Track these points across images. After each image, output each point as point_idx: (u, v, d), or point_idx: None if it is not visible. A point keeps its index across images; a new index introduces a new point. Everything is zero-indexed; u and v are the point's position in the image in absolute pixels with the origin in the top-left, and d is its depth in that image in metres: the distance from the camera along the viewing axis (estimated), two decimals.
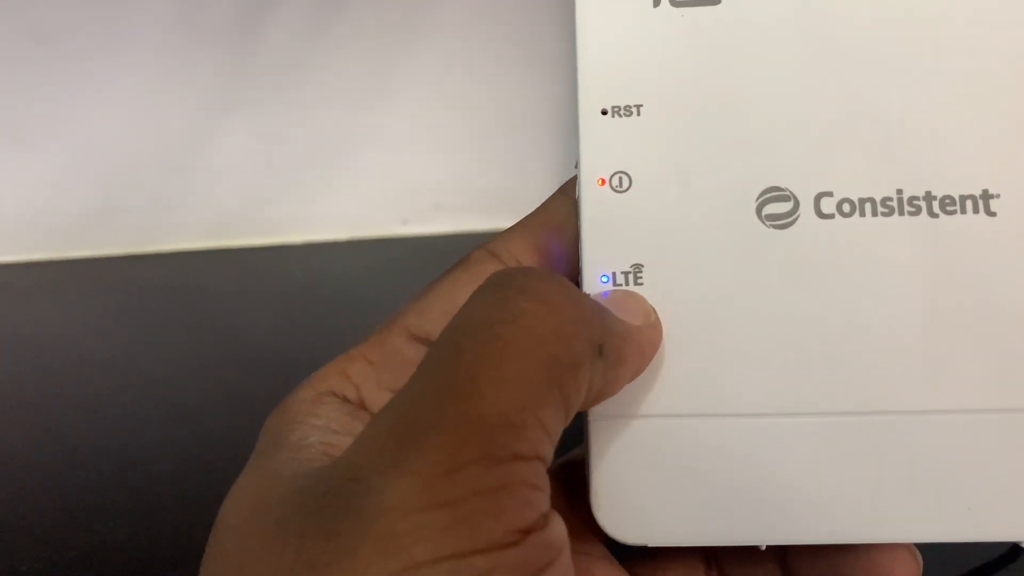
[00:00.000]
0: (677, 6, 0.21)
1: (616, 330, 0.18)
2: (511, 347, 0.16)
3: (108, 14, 0.48)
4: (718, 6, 0.21)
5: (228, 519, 0.17)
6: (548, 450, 0.16)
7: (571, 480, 0.21)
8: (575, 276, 0.20)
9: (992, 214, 0.20)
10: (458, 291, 0.20)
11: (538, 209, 0.22)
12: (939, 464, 0.19)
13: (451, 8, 0.50)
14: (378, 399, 0.19)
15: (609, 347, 0.17)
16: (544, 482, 0.16)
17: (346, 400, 0.19)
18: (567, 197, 0.21)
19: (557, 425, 0.16)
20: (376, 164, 0.53)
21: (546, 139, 0.52)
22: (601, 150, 0.20)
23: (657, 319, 0.20)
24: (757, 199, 0.20)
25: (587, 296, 0.18)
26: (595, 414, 0.20)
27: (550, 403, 0.16)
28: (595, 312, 0.18)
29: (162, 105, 0.50)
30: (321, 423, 0.18)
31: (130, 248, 0.52)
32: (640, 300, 0.20)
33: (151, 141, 0.51)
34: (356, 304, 0.46)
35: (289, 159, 0.52)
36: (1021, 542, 0.19)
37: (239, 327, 0.46)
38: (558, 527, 0.16)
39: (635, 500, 0.19)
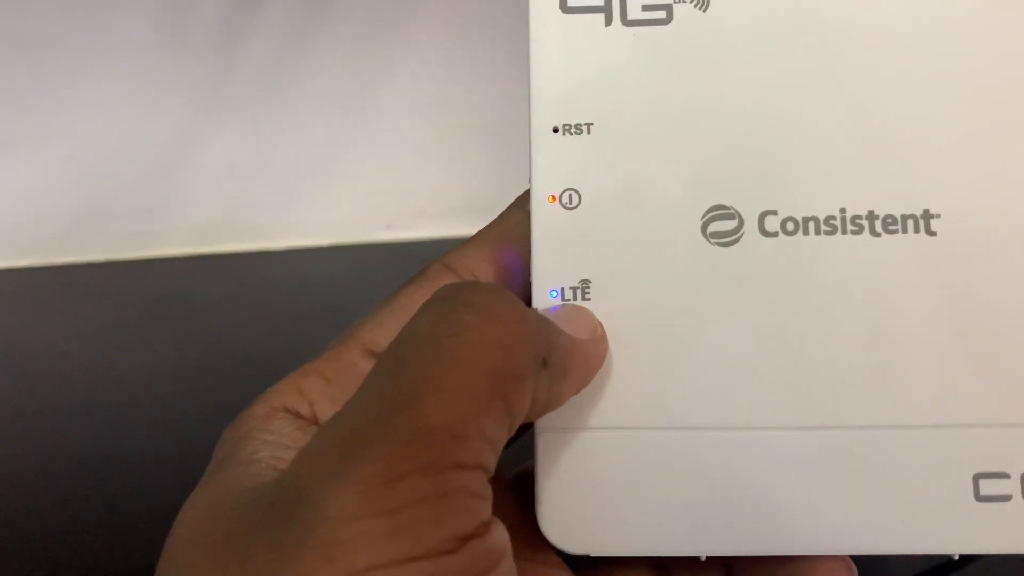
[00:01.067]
0: (629, 25, 0.21)
1: (561, 343, 0.18)
2: (454, 359, 0.16)
3: (91, 21, 0.48)
4: (669, 25, 0.21)
5: (180, 532, 0.17)
6: (490, 460, 0.16)
7: (527, 490, 0.21)
8: (526, 290, 0.21)
9: (932, 233, 0.20)
10: (413, 305, 0.20)
11: (494, 222, 0.22)
12: (877, 478, 0.19)
13: (435, 13, 0.50)
14: (331, 414, 0.20)
15: (554, 360, 0.18)
16: (485, 491, 0.16)
17: (299, 416, 0.20)
18: (523, 210, 0.22)
19: (500, 436, 0.17)
20: (360, 169, 0.53)
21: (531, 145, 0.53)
22: (552, 167, 0.21)
23: (603, 333, 0.20)
24: (703, 217, 0.20)
25: (533, 310, 0.19)
26: (542, 426, 0.20)
27: (492, 414, 0.16)
28: (540, 325, 0.18)
29: (146, 112, 0.50)
30: (272, 438, 0.19)
31: (114, 254, 0.52)
32: (587, 314, 0.20)
33: (135, 147, 0.51)
34: (341, 310, 0.46)
35: (273, 165, 0.53)
36: (955, 556, 0.19)
37: (224, 333, 0.46)
38: (499, 535, 0.16)
39: (579, 510, 0.20)
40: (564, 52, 0.21)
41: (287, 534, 0.15)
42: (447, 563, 0.15)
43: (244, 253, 0.53)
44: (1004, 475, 0.19)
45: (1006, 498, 0.19)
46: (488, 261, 0.21)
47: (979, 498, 0.19)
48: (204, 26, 0.49)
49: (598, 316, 0.20)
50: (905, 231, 0.20)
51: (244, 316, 0.48)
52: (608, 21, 0.21)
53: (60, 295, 0.50)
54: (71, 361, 0.45)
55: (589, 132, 0.21)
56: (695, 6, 0.21)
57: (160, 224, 0.52)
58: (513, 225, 0.22)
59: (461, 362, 0.16)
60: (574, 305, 0.20)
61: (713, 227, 0.20)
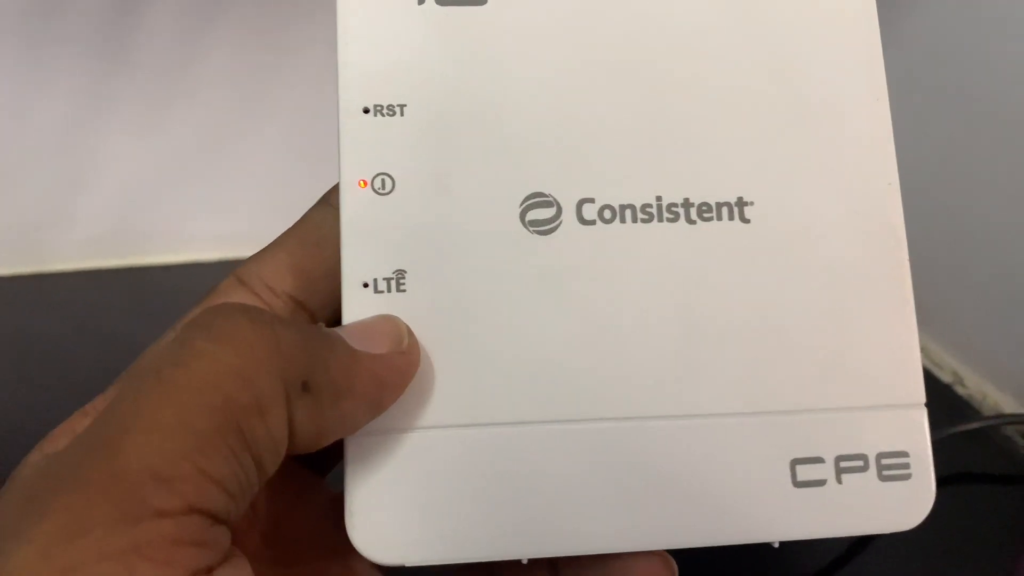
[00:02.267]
0: (443, 4, 0.20)
1: (330, 363, 0.17)
2: (175, 393, 0.15)
3: None
4: (484, 7, 0.20)
5: None
6: (216, 501, 0.15)
7: None
8: (337, 293, 0.19)
9: (747, 221, 0.20)
10: None
11: (296, 223, 0.20)
12: (693, 468, 0.19)
13: (326, 16, 0.48)
14: None
15: (321, 382, 0.16)
16: (206, 536, 0.14)
17: None
18: (329, 207, 0.20)
19: (234, 473, 0.15)
20: (251, 180, 0.51)
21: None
22: (362, 150, 0.19)
23: (412, 344, 0.18)
24: (521, 204, 0.20)
25: (294, 330, 0.17)
26: None
27: (219, 450, 0.15)
28: (298, 346, 0.16)
29: (23, 122, 0.46)
30: None
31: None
32: (388, 325, 0.18)
33: (10, 160, 0.47)
34: None
35: (160, 177, 0.50)
36: (774, 543, 0.19)
37: (112, 350, 0.43)
38: None
39: (389, 519, 0.18)
40: (374, 30, 0.20)
41: None
42: None
43: (132, 267, 0.50)
44: (819, 460, 0.19)
45: (821, 483, 0.19)
46: (287, 268, 0.20)
47: (796, 484, 0.19)
48: (83, 27, 0.45)
49: (412, 309, 0.19)
50: (720, 219, 0.20)
51: (139, 330, 0.45)
52: (421, 0, 0.20)
53: None
54: None
55: (402, 114, 0.20)
56: None
57: (51, 237, 0.49)
58: (316, 226, 0.20)
59: (183, 396, 0.15)
60: (369, 320, 0.18)
61: (531, 215, 0.20)
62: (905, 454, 0.20)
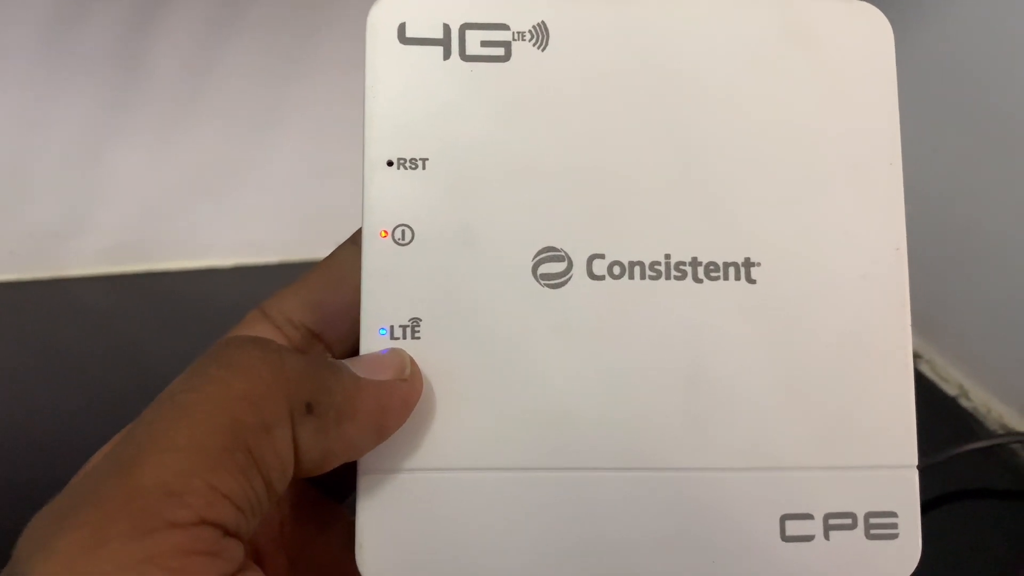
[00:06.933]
0: (467, 60, 0.21)
1: (334, 388, 0.18)
2: (188, 415, 0.16)
3: None
4: (507, 63, 0.21)
5: None
6: (226, 514, 0.16)
7: None
8: (354, 328, 0.20)
9: (752, 281, 0.21)
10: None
11: (323, 261, 0.22)
12: (690, 519, 0.20)
13: (342, 34, 0.49)
14: None
15: (324, 404, 0.18)
16: (217, 547, 0.16)
17: None
18: (355, 246, 0.21)
19: (243, 489, 0.16)
20: (267, 190, 0.52)
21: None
22: (385, 202, 0.20)
23: (414, 373, 0.19)
24: (533, 258, 0.20)
25: (300, 357, 0.18)
26: (365, 467, 0.20)
27: (228, 467, 0.16)
28: (303, 372, 0.18)
29: (42, 131, 0.48)
30: None
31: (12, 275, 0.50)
32: (392, 356, 0.20)
33: (30, 168, 0.49)
34: None
35: (178, 185, 0.51)
36: None
37: (129, 354, 0.45)
38: None
39: (400, 554, 0.19)
40: (401, 84, 0.21)
41: None
42: None
43: (147, 273, 0.51)
44: (809, 516, 0.20)
45: (809, 538, 0.20)
46: (306, 304, 0.21)
47: (784, 538, 0.20)
48: (99, 42, 0.47)
49: (427, 355, 0.20)
50: (727, 278, 0.21)
51: (150, 336, 0.46)
52: (447, 55, 0.21)
53: None
54: None
55: (424, 167, 0.21)
56: (534, 45, 0.21)
57: (63, 244, 0.50)
58: (339, 264, 0.21)
59: (195, 418, 0.16)
60: (380, 351, 0.20)
61: (543, 268, 0.20)
62: (894, 514, 0.20)
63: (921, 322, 0.45)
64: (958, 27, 0.42)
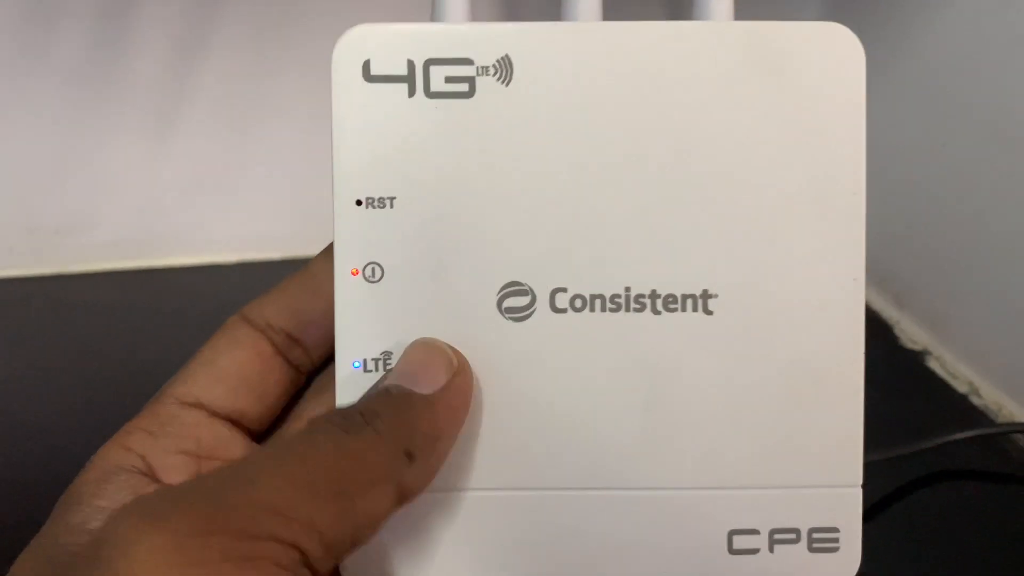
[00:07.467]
0: (432, 97, 0.21)
1: (422, 425, 0.20)
2: (304, 461, 0.18)
3: None
4: (472, 99, 0.21)
5: None
6: (311, 545, 0.18)
7: None
8: (329, 335, 0.22)
9: (709, 312, 0.21)
10: (218, 356, 0.22)
11: (300, 271, 0.23)
12: (638, 535, 0.22)
13: (335, 20, 0.48)
14: (166, 462, 0.21)
15: (420, 445, 0.19)
16: (298, 571, 0.17)
17: (136, 471, 0.21)
18: (330, 258, 0.22)
19: (334, 530, 0.18)
20: (270, 185, 0.52)
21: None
22: (355, 240, 0.21)
23: (462, 364, 0.21)
24: (498, 293, 0.21)
25: (393, 397, 0.20)
26: None
27: (328, 509, 0.18)
28: (396, 428, 0.19)
29: (41, 126, 0.48)
30: (105, 503, 0.20)
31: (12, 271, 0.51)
32: (437, 354, 0.21)
33: (29, 163, 0.49)
34: None
35: (179, 180, 0.51)
36: None
37: (130, 350, 0.45)
38: None
39: (375, 570, 0.21)
40: (366, 122, 0.21)
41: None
42: None
43: (146, 269, 0.52)
44: (755, 531, 0.22)
45: (754, 551, 0.22)
46: (286, 310, 0.23)
47: (732, 551, 0.22)
48: (99, 33, 0.46)
49: None
50: (684, 310, 0.21)
51: (148, 333, 0.47)
52: (411, 92, 0.21)
53: None
54: None
55: (392, 206, 0.21)
56: (498, 79, 0.21)
57: (62, 241, 0.51)
58: (312, 275, 0.23)
59: (309, 463, 0.18)
60: (418, 348, 0.21)
61: (508, 303, 0.21)
62: (836, 529, 0.22)
63: (930, 319, 0.45)
64: (968, 19, 0.40)
